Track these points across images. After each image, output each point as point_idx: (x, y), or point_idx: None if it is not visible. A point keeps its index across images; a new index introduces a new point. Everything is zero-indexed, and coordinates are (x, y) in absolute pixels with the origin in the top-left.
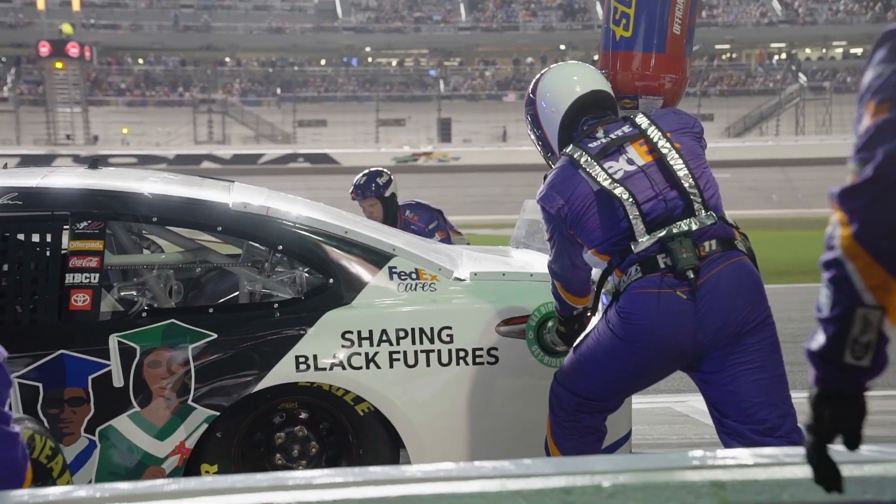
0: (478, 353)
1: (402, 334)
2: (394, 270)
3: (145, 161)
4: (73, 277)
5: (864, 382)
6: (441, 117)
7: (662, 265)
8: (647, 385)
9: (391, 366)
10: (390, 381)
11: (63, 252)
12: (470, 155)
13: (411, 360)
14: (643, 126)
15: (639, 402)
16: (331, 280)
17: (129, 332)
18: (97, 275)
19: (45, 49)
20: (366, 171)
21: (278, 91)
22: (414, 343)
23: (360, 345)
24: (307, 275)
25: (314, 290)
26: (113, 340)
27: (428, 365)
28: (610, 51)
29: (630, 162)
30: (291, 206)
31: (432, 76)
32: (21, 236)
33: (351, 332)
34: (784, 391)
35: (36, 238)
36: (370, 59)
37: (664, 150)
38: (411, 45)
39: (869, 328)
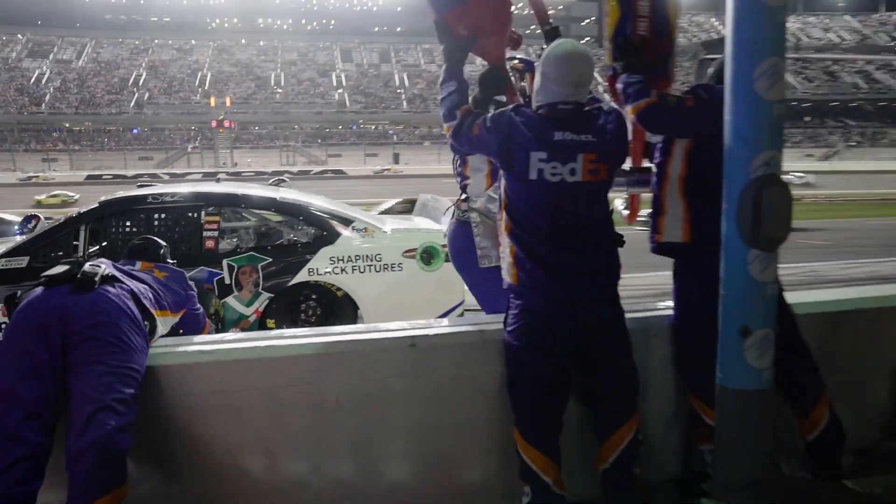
0: (394, 266)
1: (358, 257)
2: (355, 227)
3: None
4: (206, 233)
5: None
6: None
7: None
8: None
9: (353, 272)
10: (353, 280)
11: (201, 221)
12: None
13: (363, 270)
14: None
15: None
16: (325, 232)
17: (232, 258)
18: (217, 231)
19: None
20: None
21: None
22: (364, 261)
23: (338, 262)
24: (314, 229)
25: (317, 237)
26: (225, 262)
27: (371, 271)
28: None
29: None
30: (310, 198)
31: None
32: (185, 214)
33: (334, 257)
34: None
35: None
36: None
37: None
38: None
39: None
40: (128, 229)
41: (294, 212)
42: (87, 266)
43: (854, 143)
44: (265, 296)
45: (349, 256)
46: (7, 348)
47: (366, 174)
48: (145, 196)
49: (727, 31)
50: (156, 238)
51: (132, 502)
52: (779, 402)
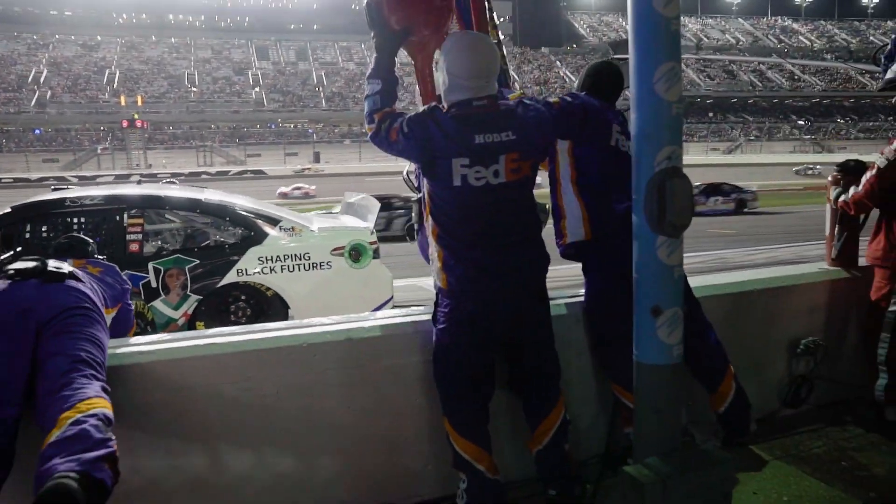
0: (323, 264)
1: (286, 257)
2: (282, 227)
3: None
4: (130, 236)
5: None
6: None
7: None
8: None
9: (282, 271)
10: (283, 279)
11: (123, 224)
12: None
13: (292, 269)
14: None
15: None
16: (252, 233)
17: (158, 260)
18: (141, 234)
19: None
20: None
21: None
22: (293, 260)
23: (267, 262)
24: (241, 230)
25: (244, 238)
26: (150, 265)
27: (300, 270)
28: None
29: None
30: (235, 198)
31: None
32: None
33: (263, 257)
34: None
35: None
36: None
37: None
38: None
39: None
40: (44, 235)
41: (220, 212)
42: (51, 262)
43: (753, 138)
44: (194, 298)
45: (278, 256)
46: None
47: (286, 174)
48: (62, 199)
49: (629, 38)
50: (81, 235)
51: None
52: (689, 378)
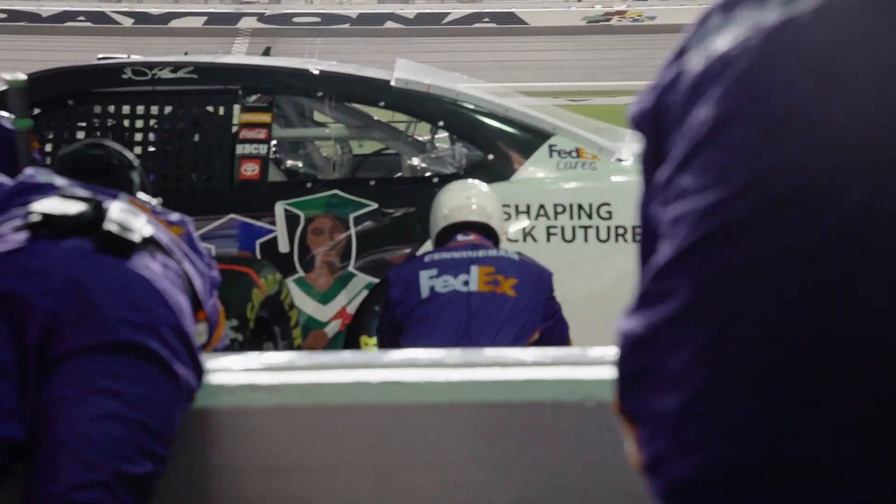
0: (638, 230)
1: (559, 209)
2: (553, 148)
3: (328, 20)
4: (244, 148)
5: None
6: None
7: None
8: None
9: (548, 240)
10: (546, 254)
11: (229, 124)
12: (668, 14)
13: (569, 235)
14: None
15: None
16: (490, 156)
17: (294, 201)
18: (265, 146)
19: None
20: None
21: None
22: (572, 218)
23: (517, 216)
24: (466, 150)
25: (473, 166)
26: (279, 207)
27: (586, 240)
28: None
29: None
30: (453, 83)
31: None
32: (196, 109)
33: (508, 206)
34: None
35: (209, 110)
36: None
37: None
38: None
39: None
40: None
41: (427, 110)
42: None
43: None
44: (361, 282)
45: (541, 207)
46: None
47: (570, 23)
48: (117, 68)
49: None
50: (118, 146)
51: None
52: None
